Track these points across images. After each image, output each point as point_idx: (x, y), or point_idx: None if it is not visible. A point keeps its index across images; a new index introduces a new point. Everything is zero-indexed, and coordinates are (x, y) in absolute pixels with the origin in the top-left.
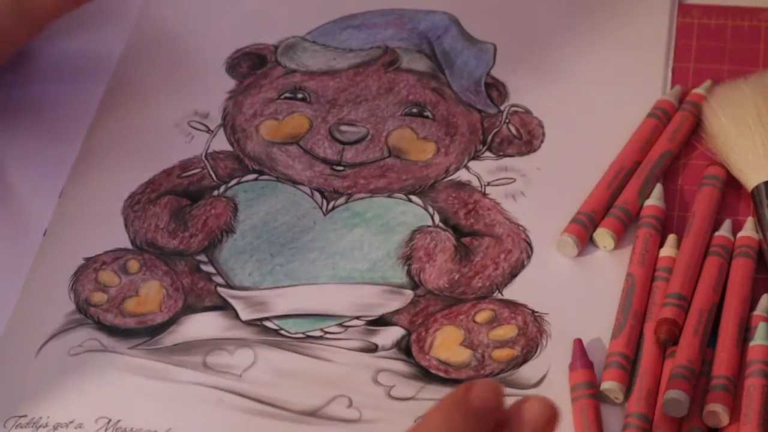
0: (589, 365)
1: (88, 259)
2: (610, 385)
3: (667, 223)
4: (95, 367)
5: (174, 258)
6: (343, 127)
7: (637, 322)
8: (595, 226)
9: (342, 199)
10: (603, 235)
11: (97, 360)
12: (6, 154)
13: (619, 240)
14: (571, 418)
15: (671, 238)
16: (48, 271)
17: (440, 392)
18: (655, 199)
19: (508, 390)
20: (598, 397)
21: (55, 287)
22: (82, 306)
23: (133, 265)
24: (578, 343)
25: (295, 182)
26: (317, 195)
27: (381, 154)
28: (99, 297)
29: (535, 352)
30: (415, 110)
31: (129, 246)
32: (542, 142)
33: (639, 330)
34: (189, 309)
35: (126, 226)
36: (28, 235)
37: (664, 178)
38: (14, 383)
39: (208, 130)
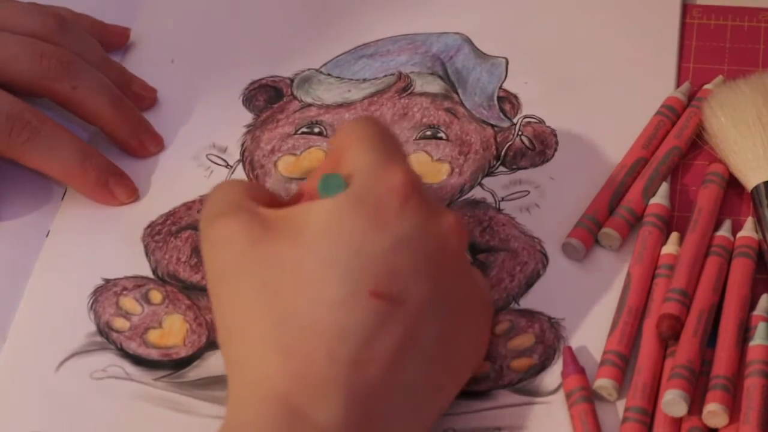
0: (580, 370)
1: (107, 281)
2: (602, 383)
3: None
4: (120, 394)
5: (196, 293)
6: None
7: (632, 319)
8: (600, 227)
9: None
10: (607, 235)
11: (122, 387)
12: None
13: (625, 239)
14: (569, 424)
15: (674, 236)
16: (59, 279)
17: (458, 406)
18: (659, 198)
19: (526, 398)
20: (593, 400)
21: (71, 300)
22: (103, 329)
23: (156, 295)
24: (568, 350)
25: None
26: None
27: None
28: (121, 323)
29: (553, 359)
30: (429, 133)
31: (150, 275)
32: (555, 150)
33: (635, 326)
34: (212, 345)
35: (147, 254)
36: (29, 235)
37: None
38: (34, 396)
39: (227, 165)
